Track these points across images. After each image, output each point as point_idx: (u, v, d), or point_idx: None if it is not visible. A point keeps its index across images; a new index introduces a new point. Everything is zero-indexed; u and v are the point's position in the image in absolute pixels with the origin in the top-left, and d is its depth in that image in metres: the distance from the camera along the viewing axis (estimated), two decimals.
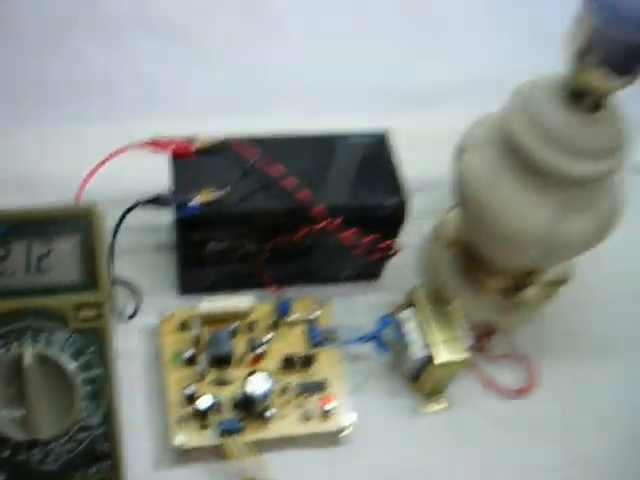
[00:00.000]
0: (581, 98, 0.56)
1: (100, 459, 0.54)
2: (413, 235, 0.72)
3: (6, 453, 0.53)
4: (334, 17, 0.89)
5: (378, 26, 0.89)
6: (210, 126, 0.64)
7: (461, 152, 0.62)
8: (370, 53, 0.85)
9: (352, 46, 0.85)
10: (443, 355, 0.62)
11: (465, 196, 0.62)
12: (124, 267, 0.66)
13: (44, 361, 0.53)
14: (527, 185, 0.58)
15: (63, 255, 0.54)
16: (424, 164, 0.73)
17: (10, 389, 0.52)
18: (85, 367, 0.54)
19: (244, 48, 0.85)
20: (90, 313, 0.54)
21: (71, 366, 0.54)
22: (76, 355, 0.54)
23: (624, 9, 0.50)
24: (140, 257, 0.70)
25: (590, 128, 0.56)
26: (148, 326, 0.66)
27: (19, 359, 0.52)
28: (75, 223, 0.54)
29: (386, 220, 0.64)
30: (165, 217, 0.66)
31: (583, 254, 0.63)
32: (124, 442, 0.55)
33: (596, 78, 0.53)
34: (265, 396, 0.59)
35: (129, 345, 0.65)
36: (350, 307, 0.69)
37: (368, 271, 0.70)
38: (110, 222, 0.59)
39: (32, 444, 0.53)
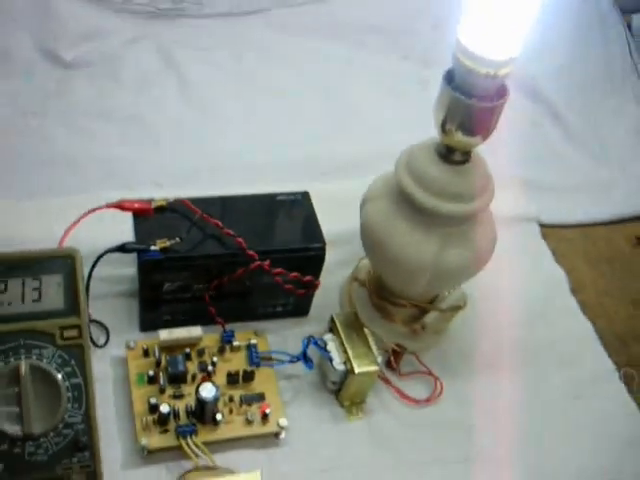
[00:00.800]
0: (450, 154, 0.73)
1: (81, 450, 0.67)
2: (335, 279, 0.88)
3: (4, 446, 0.65)
4: (265, 103, 1.08)
5: (301, 111, 1.07)
6: (163, 194, 0.80)
7: (364, 203, 0.79)
8: (293, 133, 1.03)
9: (278, 127, 1.04)
10: (360, 366, 0.76)
11: (369, 237, 0.78)
12: (96, 311, 0.80)
13: (36, 371, 0.66)
14: (415, 225, 0.75)
15: (50, 288, 0.69)
16: (340, 222, 0.88)
17: (8, 394, 0.66)
18: (69, 376, 0.68)
19: (189, 131, 1.02)
20: (72, 333, 0.69)
21: (58, 375, 0.67)
22: (61, 367, 0.68)
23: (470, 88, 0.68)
24: (109, 303, 0.83)
25: (459, 177, 0.73)
26: (116, 356, 0.80)
27: (16, 370, 0.66)
28: (60, 263, 0.69)
29: (309, 261, 0.79)
30: (130, 270, 0.81)
31: (465, 281, 0.80)
32: (99, 440, 0.68)
33: (457, 138, 0.70)
34: (214, 400, 0.73)
35: (102, 371, 0.78)
36: (283, 338, 0.84)
37: (298, 308, 0.85)
38: (85, 268, 0.74)
39: (26, 438, 0.66)
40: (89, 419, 0.68)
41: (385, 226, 0.76)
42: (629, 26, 1.30)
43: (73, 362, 0.69)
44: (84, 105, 1.03)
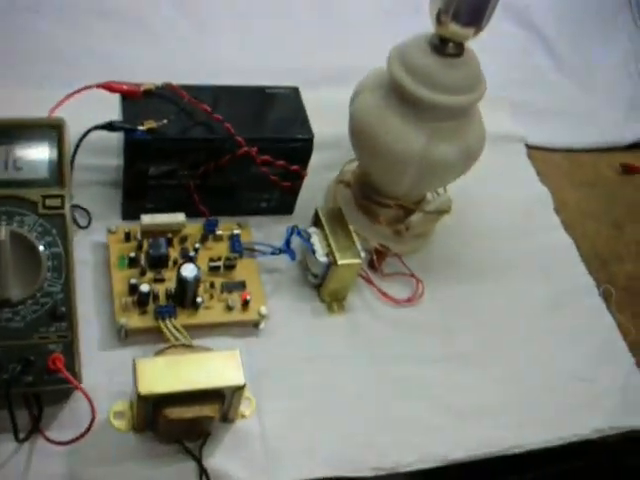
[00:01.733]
0: (443, 46, 0.72)
1: (59, 319, 0.66)
2: (321, 181, 0.88)
3: None
4: (261, 19, 1.08)
5: (298, 27, 1.08)
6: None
7: (355, 95, 0.78)
8: (289, 46, 1.03)
9: (274, 41, 1.04)
10: (343, 258, 0.76)
11: (358, 130, 0.78)
12: (79, 198, 0.79)
13: (17, 238, 0.65)
14: (406, 117, 0.74)
15: (36, 157, 0.68)
16: (330, 126, 0.86)
17: None
18: (49, 245, 0.67)
19: (185, 37, 1.01)
20: (55, 203, 0.68)
21: (38, 243, 0.67)
22: (42, 235, 0.67)
23: None
24: (92, 191, 0.83)
25: (452, 69, 0.73)
26: (98, 241, 0.79)
27: None
28: (46, 132, 0.69)
29: (296, 152, 0.79)
30: (113, 160, 0.81)
31: (452, 180, 0.79)
32: (77, 311, 0.68)
33: (452, 29, 0.70)
34: (195, 280, 0.72)
35: (83, 255, 0.77)
36: (267, 234, 0.83)
37: (283, 205, 0.85)
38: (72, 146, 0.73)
39: (3, 304, 0.65)
40: (68, 289, 0.67)
41: (375, 116, 0.76)
42: None
43: (54, 231, 0.68)
44: (83, 3, 1.01)
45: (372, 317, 0.81)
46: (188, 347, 0.70)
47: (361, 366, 0.78)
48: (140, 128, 0.74)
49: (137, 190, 0.79)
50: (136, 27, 1.01)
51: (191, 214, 0.80)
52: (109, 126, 0.74)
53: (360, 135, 0.78)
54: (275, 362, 0.76)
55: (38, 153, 0.68)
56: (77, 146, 0.74)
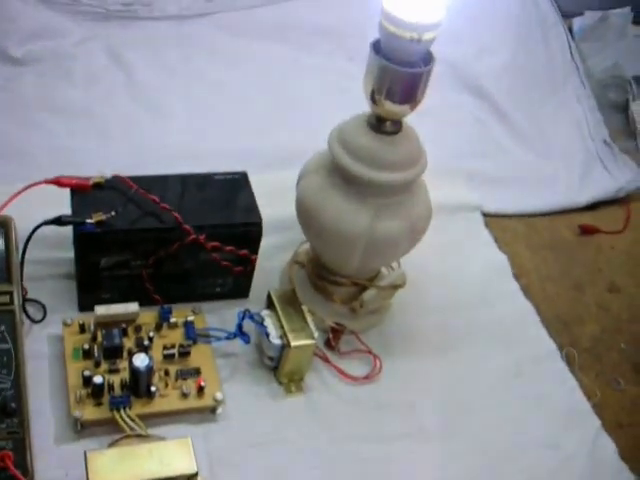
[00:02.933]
0: (381, 125, 0.74)
1: (10, 416, 0.66)
2: (276, 263, 0.89)
3: None
4: (212, 100, 1.10)
5: (247, 107, 1.10)
6: None
7: (301, 177, 0.80)
8: (238, 127, 1.05)
9: (224, 122, 1.06)
10: (296, 339, 0.77)
11: (304, 212, 0.79)
12: (34, 291, 0.80)
13: None
14: (348, 196, 0.76)
15: None
16: (281, 209, 0.87)
17: None
18: None
19: (136, 125, 1.03)
20: (3, 299, 0.69)
21: None
22: None
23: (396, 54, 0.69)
24: (47, 284, 0.83)
25: (391, 146, 0.74)
26: (53, 334, 0.79)
27: None
28: None
29: (246, 237, 0.80)
30: (67, 253, 0.81)
31: (401, 255, 0.81)
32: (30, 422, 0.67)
33: (387, 107, 0.72)
34: (147, 370, 0.72)
35: (38, 349, 0.78)
36: (222, 319, 0.84)
37: (237, 289, 0.85)
38: (22, 245, 0.73)
39: None
40: (18, 385, 0.68)
41: (319, 198, 0.77)
42: (570, 29, 1.33)
43: (3, 327, 0.69)
44: (33, 100, 1.04)
45: (331, 396, 0.81)
46: (142, 437, 0.70)
47: (321, 447, 0.77)
48: (89, 221, 0.75)
49: (91, 282, 0.80)
50: (87, 120, 1.03)
51: (146, 302, 0.80)
52: (58, 221, 0.75)
53: (306, 216, 0.79)
54: (233, 448, 0.75)
55: None
56: (27, 241, 0.75)
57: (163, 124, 1.05)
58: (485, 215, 1.05)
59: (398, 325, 0.89)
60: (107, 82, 1.10)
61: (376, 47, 0.71)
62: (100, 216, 0.76)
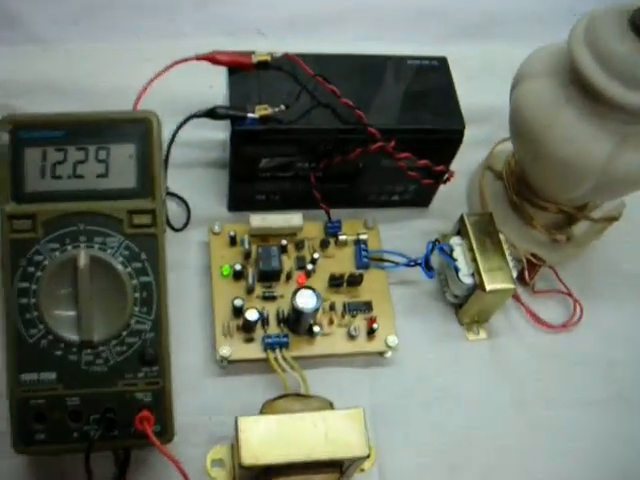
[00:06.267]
0: None
1: (149, 363, 0.54)
2: (464, 164, 0.72)
3: (58, 352, 0.53)
4: None
5: None
6: (265, 46, 0.64)
7: (518, 81, 0.62)
8: None
9: None
10: (492, 282, 0.62)
11: (520, 126, 0.61)
12: (176, 182, 0.67)
13: (98, 264, 0.53)
14: (587, 116, 0.58)
15: (119, 161, 0.54)
16: (479, 93, 0.72)
17: (64, 290, 0.53)
18: (137, 273, 0.54)
19: None
20: (144, 220, 0.54)
21: (124, 271, 0.54)
22: (129, 261, 0.54)
23: None
24: (192, 173, 0.70)
25: None
26: (198, 240, 0.67)
27: (74, 260, 0.52)
28: (133, 130, 0.54)
29: (441, 145, 0.63)
30: (219, 133, 0.67)
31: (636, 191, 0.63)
32: (171, 350, 0.56)
33: None
34: (314, 311, 0.59)
35: (180, 258, 0.65)
36: (398, 232, 0.70)
37: (418, 198, 0.70)
38: (165, 135, 0.58)
39: (84, 345, 0.53)
40: (160, 327, 0.55)
41: (545, 113, 0.59)
42: None
43: (143, 256, 0.55)
44: None
45: (519, 344, 0.67)
46: (301, 397, 0.58)
47: (503, 409, 0.64)
48: (251, 115, 0.60)
49: (246, 180, 0.66)
50: None
51: (309, 206, 0.66)
52: (212, 113, 0.60)
53: (523, 131, 0.61)
54: (404, 400, 0.63)
55: (124, 156, 0.54)
56: (171, 141, 0.60)
57: None
58: None
59: (602, 261, 0.72)
60: None
61: None
62: (265, 109, 0.60)
